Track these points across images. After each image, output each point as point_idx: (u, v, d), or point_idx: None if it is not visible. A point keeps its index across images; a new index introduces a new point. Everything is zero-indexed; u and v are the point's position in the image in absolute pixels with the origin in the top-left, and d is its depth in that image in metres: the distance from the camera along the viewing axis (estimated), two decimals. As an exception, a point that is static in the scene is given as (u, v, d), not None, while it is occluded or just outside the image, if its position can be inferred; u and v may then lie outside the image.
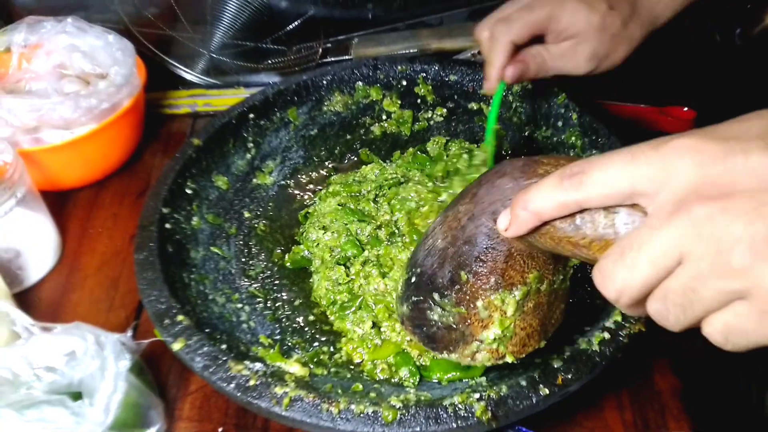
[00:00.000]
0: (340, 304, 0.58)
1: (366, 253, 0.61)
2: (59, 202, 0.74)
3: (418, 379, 0.52)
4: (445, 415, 0.44)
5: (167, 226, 0.59)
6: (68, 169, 0.73)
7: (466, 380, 0.50)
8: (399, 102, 0.75)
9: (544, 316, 0.42)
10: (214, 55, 0.90)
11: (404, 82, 0.74)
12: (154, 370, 0.56)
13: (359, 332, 0.56)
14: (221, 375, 0.46)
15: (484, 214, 0.42)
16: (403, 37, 0.90)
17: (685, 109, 0.83)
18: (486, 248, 0.41)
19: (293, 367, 0.50)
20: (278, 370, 0.49)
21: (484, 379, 0.50)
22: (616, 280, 0.31)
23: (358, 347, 0.55)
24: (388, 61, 0.74)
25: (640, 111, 0.83)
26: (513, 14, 0.57)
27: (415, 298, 0.46)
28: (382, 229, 0.63)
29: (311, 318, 0.59)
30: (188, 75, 0.89)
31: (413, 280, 0.47)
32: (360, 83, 0.74)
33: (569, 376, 0.46)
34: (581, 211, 0.34)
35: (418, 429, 0.44)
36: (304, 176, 0.73)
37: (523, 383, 0.45)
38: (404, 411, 0.44)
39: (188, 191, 0.63)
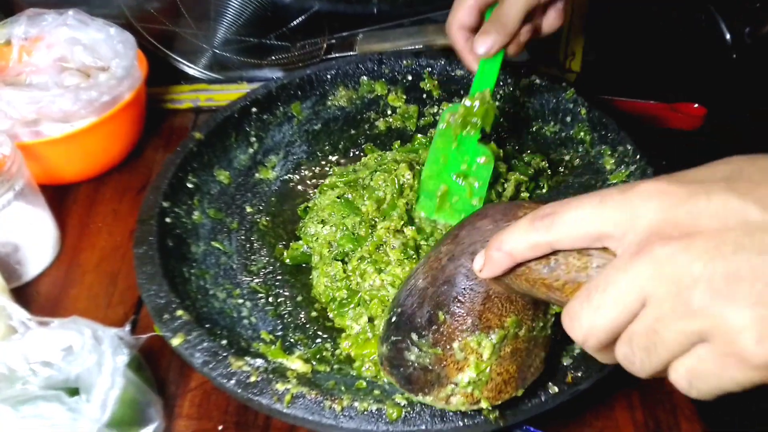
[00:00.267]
0: (339, 301, 0.57)
1: (362, 248, 0.60)
2: (58, 197, 0.73)
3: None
4: (451, 413, 0.43)
5: (167, 220, 0.58)
6: (68, 162, 0.72)
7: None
8: (404, 97, 0.74)
9: (522, 363, 0.42)
10: (217, 51, 0.89)
11: (410, 77, 0.73)
12: (153, 366, 0.55)
13: (357, 329, 0.55)
14: (221, 371, 0.45)
15: (464, 255, 0.42)
16: (408, 33, 0.88)
17: (696, 105, 0.82)
18: (464, 289, 0.41)
19: (295, 364, 0.49)
20: (280, 366, 0.48)
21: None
22: (582, 322, 0.31)
23: (355, 344, 0.54)
24: (393, 55, 0.73)
25: (650, 107, 0.82)
26: (454, 5, 0.59)
27: (394, 338, 0.45)
28: (377, 225, 0.61)
29: (313, 314, 0.57)
30: (190, 70, 0.88)
31: (393, 319, 0.46)
32: (365, 78, 0.73)
33: (579, 374, 0.45)
34: (555, 253, 0.34)
35: (423, 427, 0.42)
36: (307, 171, 0.71)
37: (532, 381, 0.44)
38: (409, 409, 0.43)
39: (189, 185, 0.62)
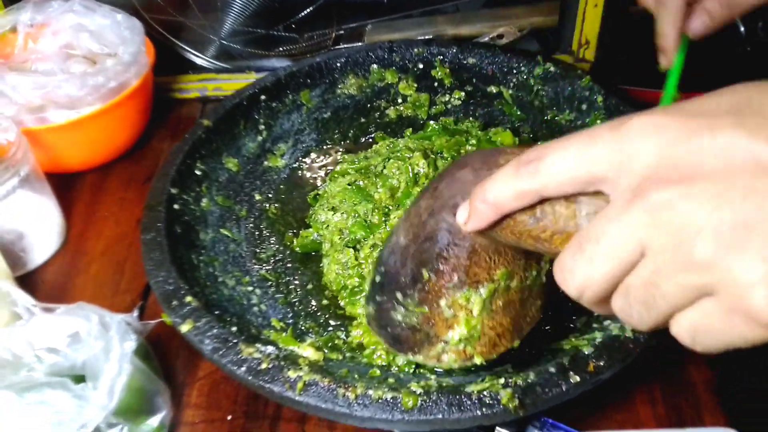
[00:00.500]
0: (351, 288, 0.56)
1: (375, 235, 0.58)
2: (64, 185, 0.71)
3: (413, 369, 0.49)
4: (468, 402, 0.41)
5: (175, 206, 0.57)
6: (73, 150, 0.71)
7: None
8: (415, 85, 0.72)
9: (516, 315, 0.40)
10: (225, 42, 0.88)
11: (420, 65, 0.72)
12: (161, 355, 0.54)
13: None
14: (232, 358, 0.44)
15: (445, 209, 0.39)
16: (418, 24, 0.87)
17: (711, 96, 0.80)
18: (447, 245, 0.39)
19: (307, 351, 0.47)
20: (291, 353, 0.47)
21: (509, 365, 0.47)
22: (576, 275, 0.28)
23: (367, 332, 0.53)
24: (404, 43, 0.72)
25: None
26: None
27: (380, 299, 0.44)
28: (391, 213, 0.60)
29: (324, 302, 0.56)
30: (198, 59, 0.87)
31: (377, 279, 0.44)
32: (375, 66, 0.72)
33: (601, 363, 0.43)
34: (541, 202, 0.31)
35: (440, 416, 0.41)
36: (316, 159, 0.70)
37: (552, 370, 0.42)
38: (425, 397, 0.41)
39: (197, 172, 0.61)
